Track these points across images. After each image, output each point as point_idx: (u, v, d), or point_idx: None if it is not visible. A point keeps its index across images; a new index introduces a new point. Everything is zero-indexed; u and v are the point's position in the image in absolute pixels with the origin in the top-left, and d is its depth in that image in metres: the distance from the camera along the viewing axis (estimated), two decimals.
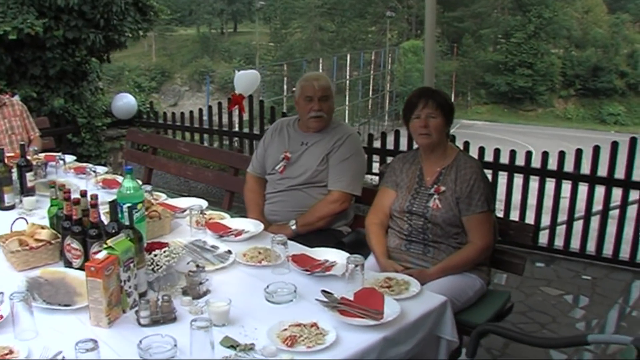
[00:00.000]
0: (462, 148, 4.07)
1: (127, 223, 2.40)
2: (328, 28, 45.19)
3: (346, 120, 30.86)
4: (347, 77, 33.27)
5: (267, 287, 2.33)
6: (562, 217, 5.24)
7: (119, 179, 3.91)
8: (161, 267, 2.36)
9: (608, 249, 5.07)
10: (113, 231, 2.33)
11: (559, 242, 5.22)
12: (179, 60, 46.56)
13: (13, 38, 6.13)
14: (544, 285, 4.58)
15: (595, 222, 5.16)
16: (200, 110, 7.45)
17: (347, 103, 32.73)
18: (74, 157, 4.64)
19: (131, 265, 2.19)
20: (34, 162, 3.93)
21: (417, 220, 2.95)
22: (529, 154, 5.25)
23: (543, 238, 5.29)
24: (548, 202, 5.20)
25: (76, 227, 2.45)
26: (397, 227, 3.04)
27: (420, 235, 2.95)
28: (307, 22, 45.13)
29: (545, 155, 5.14)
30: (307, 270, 2.54)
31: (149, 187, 3.49)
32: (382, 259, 2.96)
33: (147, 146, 5.44)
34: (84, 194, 2.49)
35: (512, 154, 5.27)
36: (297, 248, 2.82)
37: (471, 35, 41.98)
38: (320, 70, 32.41)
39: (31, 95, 6.72)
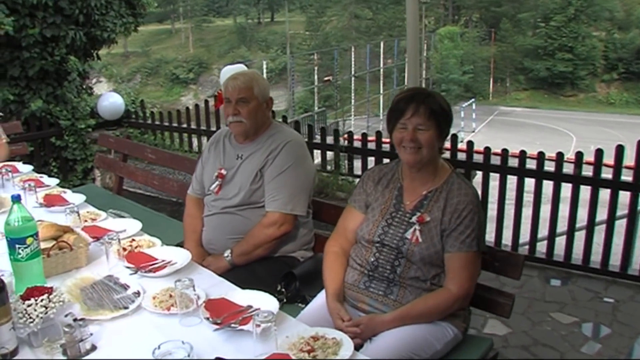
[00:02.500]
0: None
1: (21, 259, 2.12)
2: (364, 16, 44.66)
3: (380, 110, 30.27)
4: (381, 65, 32.60)
5: (158, 347, 1.80)
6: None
7: (69, 194, 3.48)
8: (34, 320, 1.91)
9: (636, 265, 4.38)
10: None
11: (577, 255, 4.55)
12: (216, 51, 47.11)
13: None
14: (555, 310, 3.93)
15: (619, 232, 4.46)
16: (197, 106, 6.97)
17: (381, 92, 32.14)
18: (31, 167, 4.21)
19: None
20: None
21: (387, 254, 2.35)
22: (540, 157, 4.58)
23: (559, 250, 4.61)
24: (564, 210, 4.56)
25: None
26: (359, 259, 2.43)
27: (387, 272, 2.34)
28: (343, 10, 45.02)
29: (560, 156, 4.47)
30: (216, 324, 2.00)
31: (74, 207, 3.04)
32: (330, 300, 2.39)
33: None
34: None
35: (522, 154, 4.61)
36: (224, 287, 2.32)
37: (509, 19, 41.01)
38: (353, 59, 31.85)
39: (9, 98, 6.31)
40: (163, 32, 52.83)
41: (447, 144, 4.97)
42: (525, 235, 4.80)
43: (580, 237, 4.58)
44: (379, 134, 5.51)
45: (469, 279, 2.28)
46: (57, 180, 3.88)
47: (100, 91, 8.17)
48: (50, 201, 3.35)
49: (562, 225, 4.62)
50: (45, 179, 3.86)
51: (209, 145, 3.17)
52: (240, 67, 6.11)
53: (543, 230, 4.72)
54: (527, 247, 4.77)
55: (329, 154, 6.12)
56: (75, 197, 3.44)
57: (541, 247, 4.75)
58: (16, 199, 2.20)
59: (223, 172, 2.97)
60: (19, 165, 4.23)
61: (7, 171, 3.83)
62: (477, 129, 29.94)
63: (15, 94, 6.46)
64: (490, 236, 4.81)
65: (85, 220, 3.07)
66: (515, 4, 41.41)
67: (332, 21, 46.40)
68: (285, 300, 2.72)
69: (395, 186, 2.46)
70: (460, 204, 2.28)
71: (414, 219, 2.33)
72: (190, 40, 49.51)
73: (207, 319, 2.03)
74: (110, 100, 7.16)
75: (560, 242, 4.62)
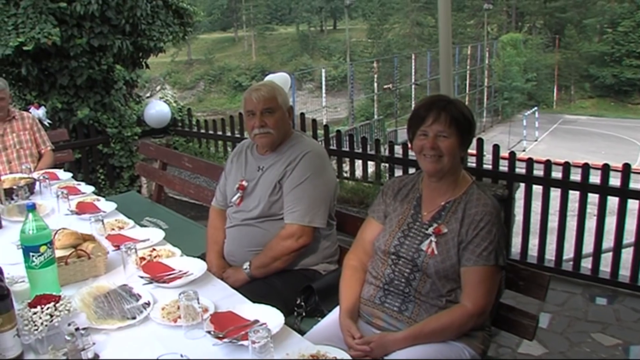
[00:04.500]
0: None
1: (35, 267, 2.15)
2: (426, 23, 44.32)
3: None
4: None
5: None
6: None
7: (102, 202, 3.51)
8: (38, 328, 1.92)
9: None
10: None
11: (625, 272, 4.32)
12: (278, 58, 47.66)
13: (28, 49, 5.89)
14: (597, 330, 3.73)
15: None
16: (241, 115, 7.00)
17: None
18: (70, 175, 4.29)
19: None
20: (20, 183, 3.67)
21: (403, 267, 2.26)
22: (585, 168, 4.36)
23: (606, 266, 4.39)
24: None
25: None
26: (375, 272, 2.35)
27: (402, 285, 2.25)
28: (405, 17, 44.91)
29: (606, 167, 4.27)
30: (218, 338, 1.97)
31: (100, 215, 3.08)
32: (342, 316, 2.32)
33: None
34: None
35: (566, 166, 4.42)
36: (234, 300, 2.28)
37: (574, 25, 39.97)
38: (413, 67, 31.61)
39: (58, 106, 6.51)
40: (226, 40, 53.77)
41: (489, 156, 4.85)
42: (570, 251, 4.60)
43: (629, 253, 4.34)
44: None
45: (486, 294, 2.16)
46: (92, 188, 3.93)
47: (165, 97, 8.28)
48: (82, 209, 3.39)
49: (609, 240, 4.40)
50: (82, 186, 3.93)
51: (231, 157, 3.15)
52: (283, 76, 6.11)
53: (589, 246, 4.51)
54: (571, 263, 4.56)
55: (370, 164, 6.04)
56: (106, 205, 3.47)
57: (587, 263, 4.54)
58: (31, 207, 2.21)
59: (244, 183, 2.94)
60: (60, 172, 4.31)
61: (46, 178, 3.91)
62: (540, 138, 29.19)
63: (63, 102, 6.63)
64: (533, 251, 4.67)
65: (113, 229, 3.09)
66: (580, 10, 40.36)
67: (394, 28, 46.26)
68: (304, 314, 2.67)
69: (415, 196, 2.38)
70: (478, 215, 2.18)
71: (430, 230, 2.25)
72: (253, 48, 50.21)
73: (209, 332, 2.00)
74: (156, 108, 7.25)
75: (607, 258, 4.40)
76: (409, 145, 2.42)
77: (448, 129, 2.21)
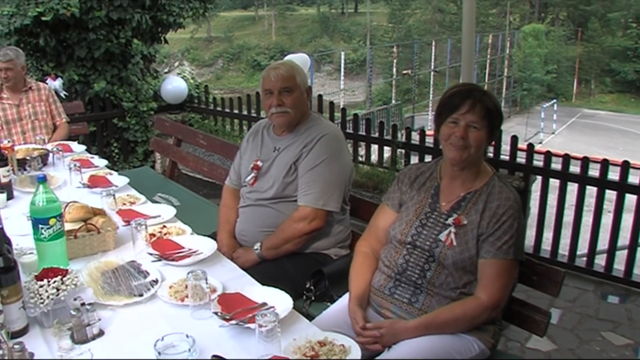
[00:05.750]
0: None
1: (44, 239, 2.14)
2: (448, 10, 43.82)
3: None
4: (462, 60, 31.84)
5: (162, 338, 1.75)
6: None
7: (114, 177, 3.49)
8: (44, 301, 1.90)
9: None
10: None
11: (639, 271, 4.26)
12: (298, 39, 47.41)
13: (46, 20, 5.86)
14: (608, 329, 3.68)
15: None
16: (258, 94, 6.95)
17: None
18: (84, 148, 4.28)
19: None
20: (34, 154, 3.69)
21: (418, 257, 2.22)
22: (604, 164, 4.29)
23: (619, 264, 4.32)
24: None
25: None
26: (387, 260, 2.32)
27: (415, 275, 2.21)
28: (426, 3, 44.44)
29: (625, 164, 4.19)
30: (225, 320, 1.94)
31: (111, 190, 3.06)
32: (352, 303, 2.29)
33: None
34: None
35: (585, 161, 4.34)
36: (243, 282, 2.26)
37: (598, 19, 39.27)
38: (433, 54, 31.36)
39: (75, 78, 6.49)
40: (246, 18, 53.47)
41: (507, 147, 4.79)
42: (584, 246, 4.54)
43: None
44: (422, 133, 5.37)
45: (502, 288, 2.13)
46: (105, 162, 3.92)
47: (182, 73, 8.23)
48: (94, 182, 3.38)
49: (624, 237, 4.33)
50: (95, 159, 3.92)
51: (247, 136, 3.12)
52: (303, 57, 6.07)
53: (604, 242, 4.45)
54: (585, 259, 4.50)
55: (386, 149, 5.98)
56: (119, 180, 3.46)
57: (600, 260, 4.47)
58: (41, 179, 2.20)
59: (259, 164, 2.91)
60: (74, 144, 4.30)
61: (59, 150, 3.90)
62: (557, 131, 28.86)
63: (80, 74, 6.62)
64: (546, 245, 4.61)
65: (124, 204, 3.08)
66: (605, 3, 39.64)
67: (415, 14, 45.74)
68: (313, 298, 2.65)
69: (432, 185, 2.33)
70: (500, 208, 2.14)
71: (450, 220, 2.21)
72: (273, 28, 49.95)
73: (216, 313, 1.98)
74: (173, 84, 7.21)
75: (622, 255, 4.34)
76: (434, 130, 2.36)
77: (481, 120, 2.16)
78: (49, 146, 4.07)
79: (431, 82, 31.26)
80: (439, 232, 2.21)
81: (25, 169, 3.54)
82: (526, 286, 2.32)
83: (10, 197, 3.17)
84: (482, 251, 2.13)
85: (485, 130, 2.17)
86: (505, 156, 4.80)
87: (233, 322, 1.93)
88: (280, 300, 2.06)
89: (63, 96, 6.06)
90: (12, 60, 4.41)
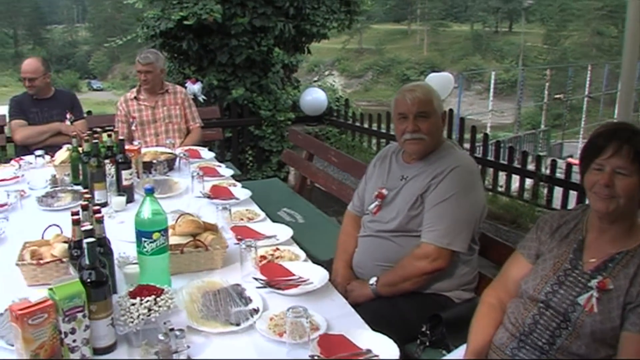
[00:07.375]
0: None
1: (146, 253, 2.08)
2: (608, 33, 41.56)
3: None
4: (619, 88, 29.94)
5: None
6: None
7: (237, 189, 3.39)
8: (134, 320, 1.82)
9: None
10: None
11: None
12: (449, 56, 47.08)
13: (188, 24, 6.01)
14: None
15: None
16: None
17: (615, 117, 29.54)
18: (212, 155, 4.27)
19: (79, 314, 1.72)
20: (160, 157, 3.72)
21: (550, 319, 1.90)
22: None
23: None
24: None
25: (75, 250, 2.06)
26: (514, 317, 2.00)
27: (542, 340, 1.90)
28: (585, 25, 42.51)
29: None
30: None
31: (228, 204, 2.94)
32: (469, 357, 2.02)
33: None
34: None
35: None
36: (350, 323, 2.04)
37: None
38: (589, 78, 29.74)
39: (214, 83, 6.60)
40: (399, 32, 53.72)
41: None
42: None
43: None
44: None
45: None
46: (231, 172, 3.85)
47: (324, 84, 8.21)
48: (215, 193, 3.29)
49: None
50: (221, 169, 3.86)
51: (374, 161, 2.92)
52: (446, 76, 5.77)
53: None
54: None
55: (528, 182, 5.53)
56: (241, 192, 3.34)
57: None
58: (149, 191, 2.13)
59: (384, 192, 2.70)
60: (204, 151, 4.29)
61: (186, 156, 3.86)
62: None
63: (220, 79, 6.71)
64: None
65: (241, 219, 2.97)
66: None
67: (572, 36, 43.83)
68: (428, 343, 2.39)
69: (576, 238, 1.98)
70: None
71: (592, 282, 1.85)
72: (425, 43, 49.85)
73: (314, 357, 1.79)
74: (313, 95, 7.14)
75: None
76: (580, 179, 2.02)
77: (630, 165, 1.80)
78: (177, 150, 4.07)
79: (584, 109, 29.56)
80: (578, 293, 1.87)
81: (150, 172, 3.53)
82: None
83: (130, 200, 3.15)
84: (628, 322, 1.77)
85: (637, 177, 1.81)
86: None
87: None
88: (386, 348, 1.85)
89: (201, 100, 6.16)
90: (152, 63, 4.48)
